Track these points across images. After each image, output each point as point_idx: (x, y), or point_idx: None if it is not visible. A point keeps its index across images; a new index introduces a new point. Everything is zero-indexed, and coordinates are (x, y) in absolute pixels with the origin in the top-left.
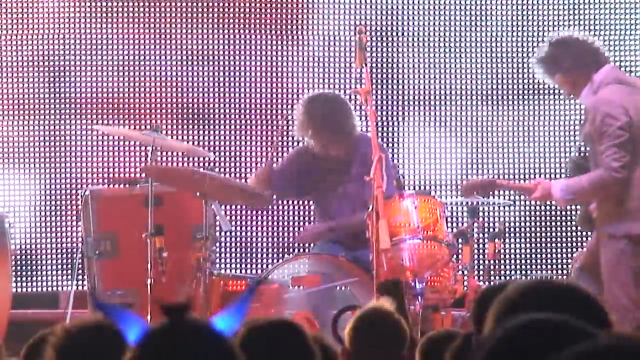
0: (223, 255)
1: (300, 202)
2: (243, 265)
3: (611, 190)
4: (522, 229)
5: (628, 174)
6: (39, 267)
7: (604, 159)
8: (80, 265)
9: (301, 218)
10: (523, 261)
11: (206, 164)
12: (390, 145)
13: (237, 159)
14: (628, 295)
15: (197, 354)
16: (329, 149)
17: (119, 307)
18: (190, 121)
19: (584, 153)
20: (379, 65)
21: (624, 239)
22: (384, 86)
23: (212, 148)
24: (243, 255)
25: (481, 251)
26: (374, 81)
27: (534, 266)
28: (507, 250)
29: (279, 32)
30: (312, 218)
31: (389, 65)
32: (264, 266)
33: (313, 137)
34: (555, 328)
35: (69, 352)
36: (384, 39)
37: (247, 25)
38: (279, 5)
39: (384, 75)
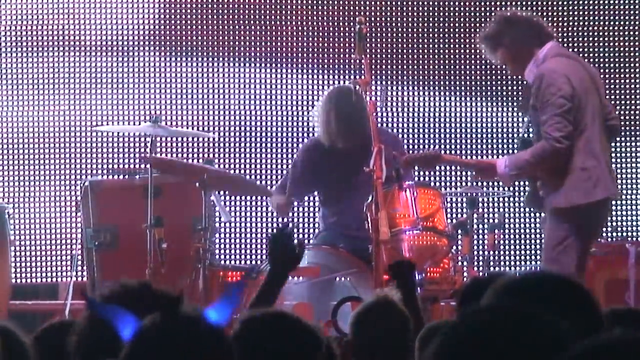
0: (223, 246)
1: None
2: (243, 256)
3: (554, 162)
4: (522, 220)
5: (570, 144)
6: (38, 258)
7: (547, 129)
8: (79, 257)
9: (302, 208)
10: (522, 252)
11: (206, 156)
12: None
13: (241, 152)
14: (567, 271)
15: (190, 346)
16: (350, 140)
17: (112, 305)
18: (192, 112)
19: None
20: (379, 54)
21: (563, 212)
22: (384, 76)
23: (210, 139)
24: (243, 246)
25: (481, 242)
26: (374, 71)
27: (533, 257)
28: (507, 241)
29: (280, 21)
30: (314, 207)
31: (388, 54)
32: (264, 257)
33: (336, 132)
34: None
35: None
36: (384, 27)
37: (247, 14)
38: None
39: (384, 64)
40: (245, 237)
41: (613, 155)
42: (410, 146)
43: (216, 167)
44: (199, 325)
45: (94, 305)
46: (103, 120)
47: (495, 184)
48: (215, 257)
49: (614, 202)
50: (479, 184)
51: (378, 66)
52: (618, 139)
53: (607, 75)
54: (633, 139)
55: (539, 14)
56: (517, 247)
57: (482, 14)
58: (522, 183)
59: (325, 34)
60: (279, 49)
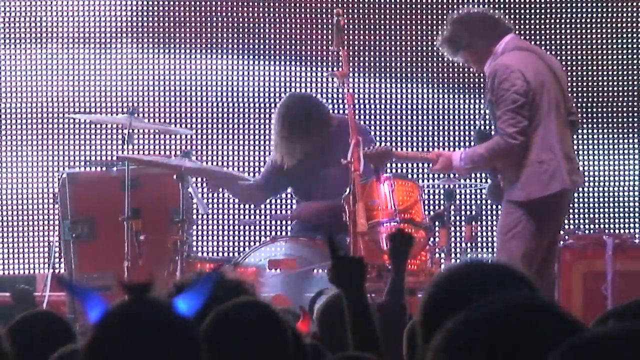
0: (200, 238)
1: None
2: (220, 249)
3: (508, 157)
4: (499, 212)
5: (525, 139)
6: (15, 250)
7: (501, 125)
8: (57, 248)
9: (279, 201)
10: None
11: (183, 148)
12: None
13: (218, 144)
14: (513, 258)
15: (156, 333)
16: (308, 149)
17: (83, 286)
18: (170, 104)
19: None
20: (357, 46)
21: (520, 204)
22: (361, 69)
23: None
24: (220, 238)
25: (458, 234)
26: (351, 63)
27: None
28: (484, 233)
29: (259, 14)
30: (292, 200)
31: (366, 46)
32: (241, 249)
33: (292, 149)
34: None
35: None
36: (362, 19)
37: (225, 6)
38: None
39: (361, 57)
40: (223, 229)
41: (589, 147)
42: (388, 138)
43: (193, 160)
44: (165, 312)
45: (66, 285)
46: (81, 112)
47: (474, 175)
48: (193, 249)
49: (591, 195)
50: (457, 176)
51: (356, 58)
52: (595, 132)
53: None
54: (608, 132)
55: (502, 7)
56: (494, 239)
57: (458, 5)
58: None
59: (304, 25)
60: (257, 41)
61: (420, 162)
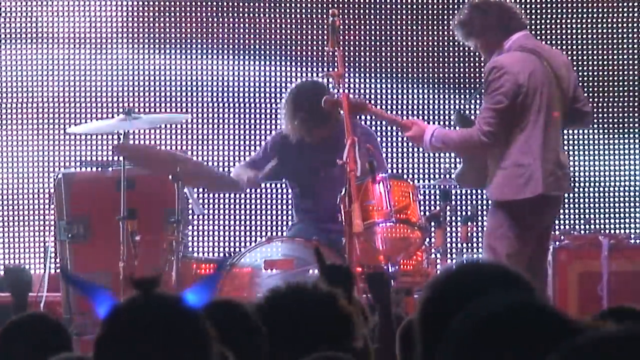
0: (196, 238)
1: (275, 186)
2: (216, 249)
3: (477, 151)
4: None
5: (494, 142)
6: (11, 250)
7: (479, 120)
8: (53, 249)
9: (275, 201)
10: None
11: (179, 150)
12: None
13: (214, 143)
14: (499, 258)
15: (166, 327)
16: (315, 135)
17: (90, 282)
18: (164, 104)
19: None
20: (352, 47)
21: (499, 203)
22: (357, 69)
23: (183, 131)
24: (216, 238)
25: (454, 234)
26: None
27: None
28: (480, 234)
29: (254, 14)
30: (288, 201)
31: (361, 47)
32: (237, 250)
33: (300, 126)
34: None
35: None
36: (357, 19)
37: (221, 6)
38: None
39: (357, 58)
40: (218, 229)
41: (585, 148)
42: (384, 137)
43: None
44: (175, 305)
45: (70, 280)
46: (77, 112)
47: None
48: (188, 249)
49: (587, 195)
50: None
51: (351, 58)
52: (590, 132)
53: (576, 66)
54: (603, 132)
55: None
56: None
57: (455, 4)
58: None
59: (299, 26)
60: (252, 41)
61: (394, 126)
